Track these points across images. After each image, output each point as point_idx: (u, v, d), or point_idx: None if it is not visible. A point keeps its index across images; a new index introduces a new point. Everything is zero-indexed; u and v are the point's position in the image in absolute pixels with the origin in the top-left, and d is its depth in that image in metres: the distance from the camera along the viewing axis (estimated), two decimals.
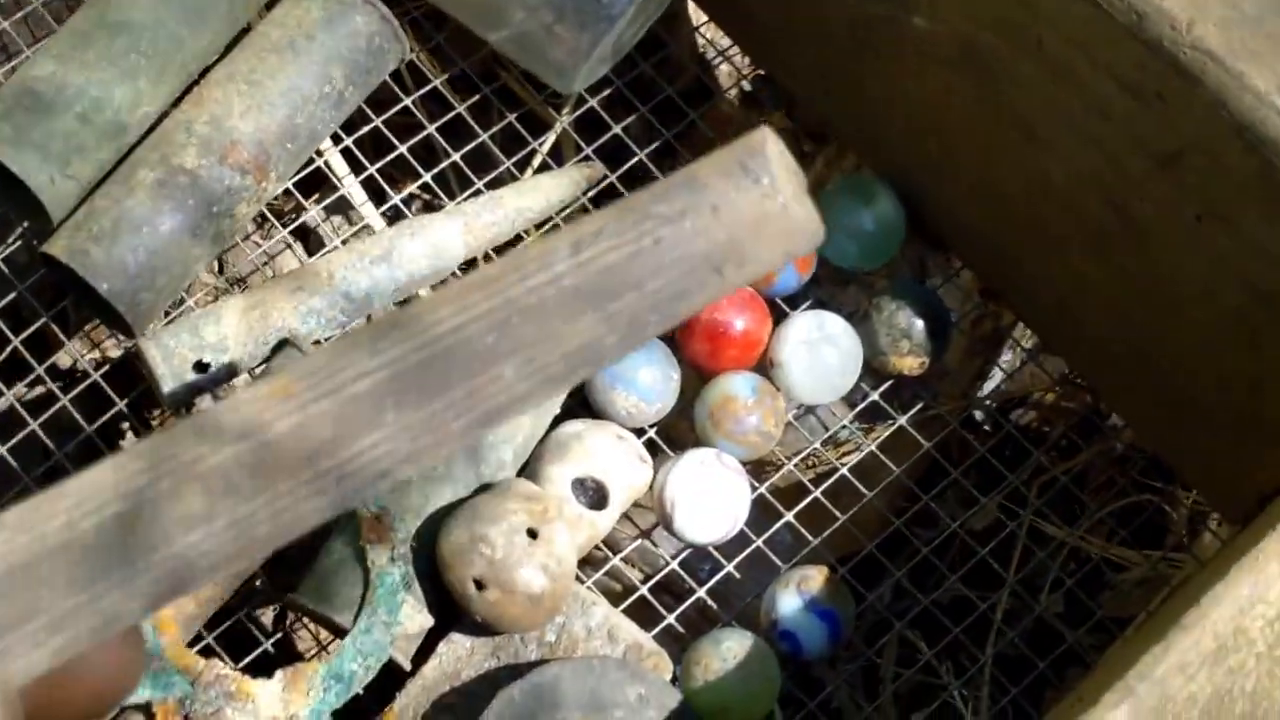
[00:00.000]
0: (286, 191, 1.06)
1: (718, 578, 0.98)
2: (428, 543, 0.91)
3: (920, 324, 1.00)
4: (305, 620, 1.01)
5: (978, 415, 1.25)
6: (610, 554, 1.01)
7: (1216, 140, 0.78)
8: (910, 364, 1.01)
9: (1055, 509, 1.15)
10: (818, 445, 1.05)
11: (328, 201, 1.08)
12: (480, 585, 0.88)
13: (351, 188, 1.11)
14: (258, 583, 0.98)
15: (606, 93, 1.12)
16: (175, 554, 0.36)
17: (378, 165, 1.08)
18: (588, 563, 1.00)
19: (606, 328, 0.40)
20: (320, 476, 0.38)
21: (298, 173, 1.04)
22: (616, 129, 1.10)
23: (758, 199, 0.41)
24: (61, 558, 0.36)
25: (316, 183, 1.09)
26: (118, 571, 0.36)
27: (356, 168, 1.10)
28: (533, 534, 0.88)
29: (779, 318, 1.03)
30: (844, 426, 1.06)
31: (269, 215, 1.08)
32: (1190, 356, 0.90)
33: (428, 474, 0.92)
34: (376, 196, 1.10)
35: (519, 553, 0.87)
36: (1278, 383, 0.85)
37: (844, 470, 1.02)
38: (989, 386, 1.25)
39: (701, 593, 0.98)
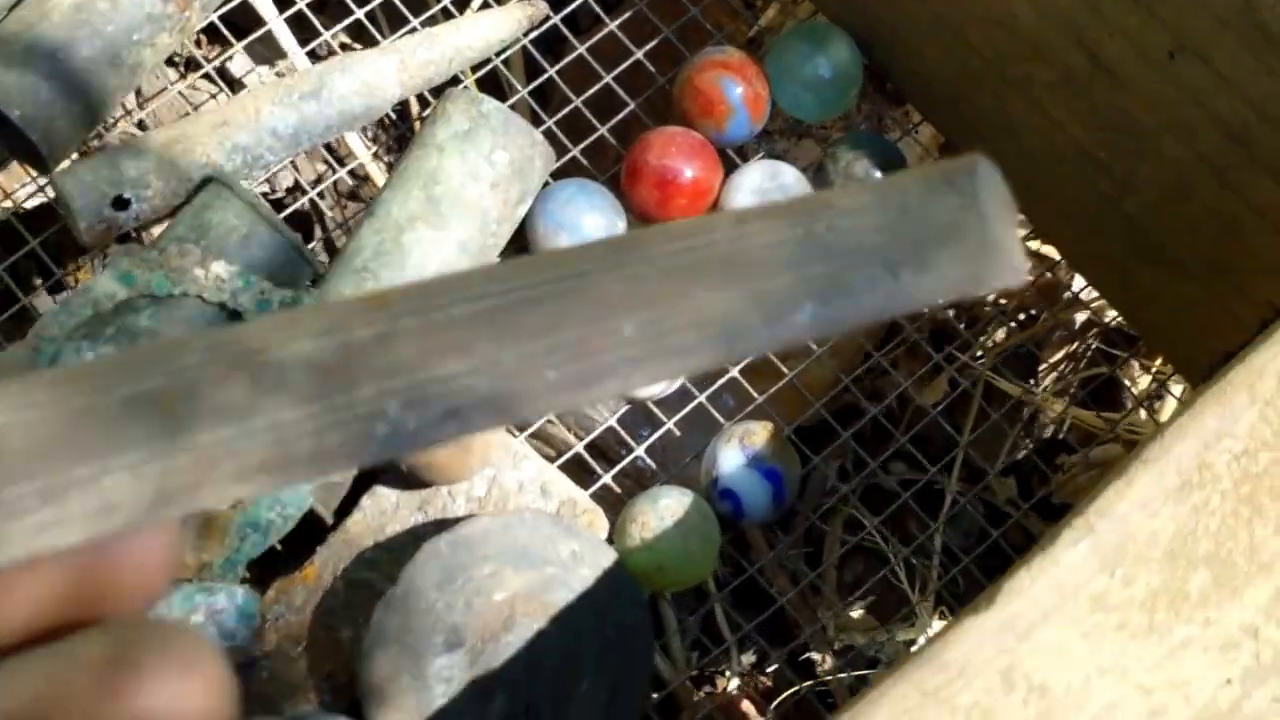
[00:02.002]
0: (211, 39, 1.02)
1: (658, 435, 0.96)
2: None
3: (878, 175, 0.97)
4: None
5: None
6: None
7: None
8: None
9: (1012, 379, 1.13)
10: None
11: (252, 39, 1.03)
12: None
13: (278, 27, 1.06)
14: None
15: None
16: (199, 447, 0.32)
17: (306, 1, 1.04)
18: (522, 425, 0.97)
19: (752, 307, 0.35)
20: (384, 396, 0.33)
21: (222, 4, 1.00)
22: None
23: (954, 210, 0.37)
24: (80, 424, 0.32)
25: (242, 27, 1.05)
26: (132, 452, 0.32)
27: (284, 4, 1.06)
28: None
29: (730, 170, 0.99)
30: None
31: (194, 58, 1.04)
32: (1160, 200, 0.87)
33: None
34: (305, 38, 1.06)
35: None
36: (1249, 226, 0.82)
37: None
38: None
39: (640, 451, 0.95)
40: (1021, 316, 1.23)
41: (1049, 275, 1.19)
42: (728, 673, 1.09)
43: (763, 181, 0.97)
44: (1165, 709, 0.59)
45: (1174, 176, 0.85)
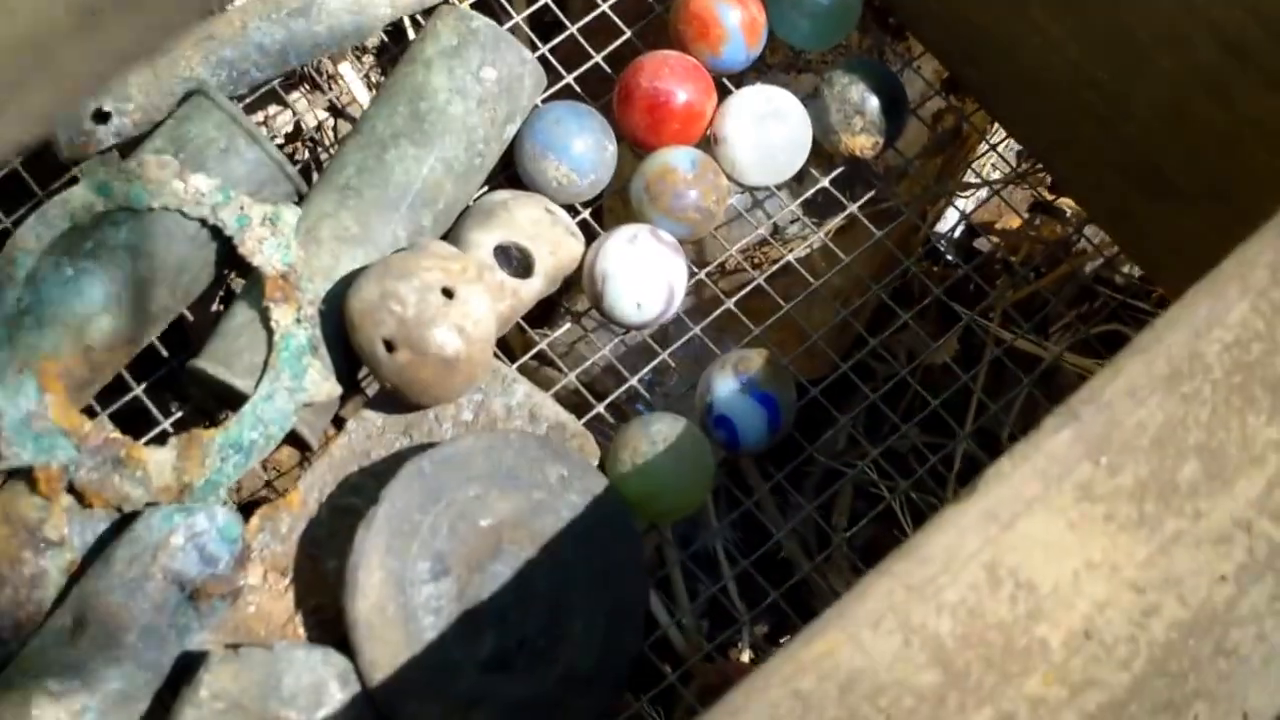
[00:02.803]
0: None
1: (652, 365, 0.94)
2: (337, 308, 0.86)
3: (874, 100, 0.96)
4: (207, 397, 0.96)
5: (940, 247, 1.22)
6: (543, 348, 0.96)
7: None
8: (863, 143, 0.97)
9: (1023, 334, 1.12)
10: (764, 233, 1.01)
11: None
12: (390, 346, 0.83)
13: None
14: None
15: None
16: None
17: None
18: (522, 371, 0.96)
19: None
20: None
21: None
22: None
23: None
24: None
25: None
26: None
27: None
28: (448, 293, 0.84)
29: (724, 97, 0.98)
30: (794, 219, 1.02)
31: None
32: (1158, 121, 0.86)
33: (340, 234, 0.88)
34: None
35: (432, 311, 0.83)
36: (1248, 143, 0.81)
37: (790, 257, 0.98)
38: (961, 207, 1.21)
39: (633, 381, 0.94)
40: (1032, 273, 1.22)
41: (1059, 230, 1.19)
42: (740, 643, 1.08)
43: (757, 105, 0.96)
44: (1159, 608, 0.58)
45: (1170, 94, 0.84)
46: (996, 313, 1.14)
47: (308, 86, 1.06)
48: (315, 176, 1.11)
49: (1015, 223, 1.23)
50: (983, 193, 1.18)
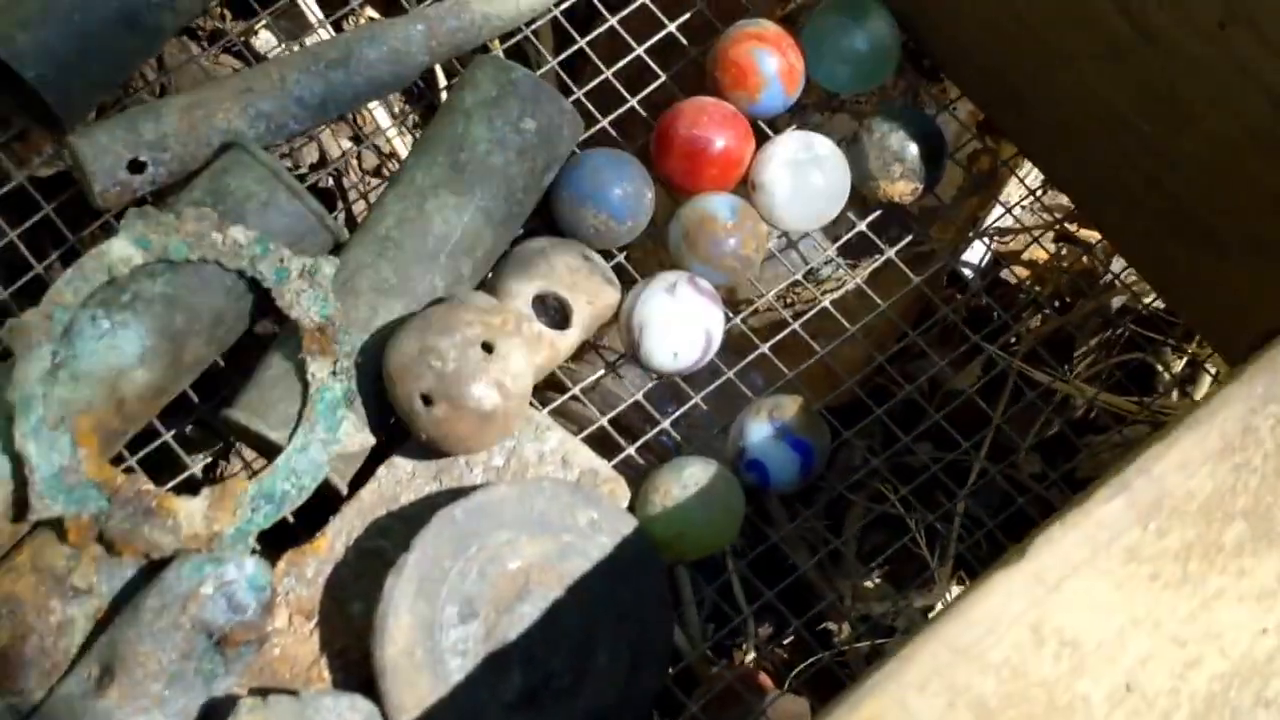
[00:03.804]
0: (236, 12, 1.03)
1: (684, 409, 0.96)
2: (373, 359, 0.87)
3: (914, 147, 0.97)
4: (239, 447, 0.98)
5: (968, 273, 1.23)
6: (570, 384, 0.97)
7: None
8: (902, 189, 0.98)
9: (1045, 365, 1.14)
10: (799, 276, 1.02)
11: (276, 7, 1.04)
12: (428, 400, 0.84)
13: None
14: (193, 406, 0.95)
15: None
16: None
17: None
18: (546, 401, 0.97)
19: None
20: None
21: None
22: None
23: None
24: None
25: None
26: None
27: None
28: (488, 348, 0.85)
29: (763, 142, 1.00)
30: (828, 260, 1.03)
31: (218, 30, 1.04)
32: (1203, 176, 0.87)
33: (378, 285, 0.89)
34: (330, 11, 1.07)
35: (471, 366, 0.84)
36: None
37: (825, 302, 0.99)
38: (979, 248, 1.22)
39: (665, 424, 0.95)
40: (1057, 304, 1.23)
41: (1085, 260, 1.20)
42: (744, 645, 1.09)
43: (796, 153, 0.97)
44: (1200, 660, 0.59)
45: (1218, 151, 0.85)
46: (1021, 347, 1.15)
47: (348, 134, 1.08)
48: (339, 203, 1.12)
49: (1041, 255, 1.24)
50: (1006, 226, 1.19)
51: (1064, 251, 1.23)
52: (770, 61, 0.98)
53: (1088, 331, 1.19)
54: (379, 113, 1.08)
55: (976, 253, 1.25)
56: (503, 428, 0.86)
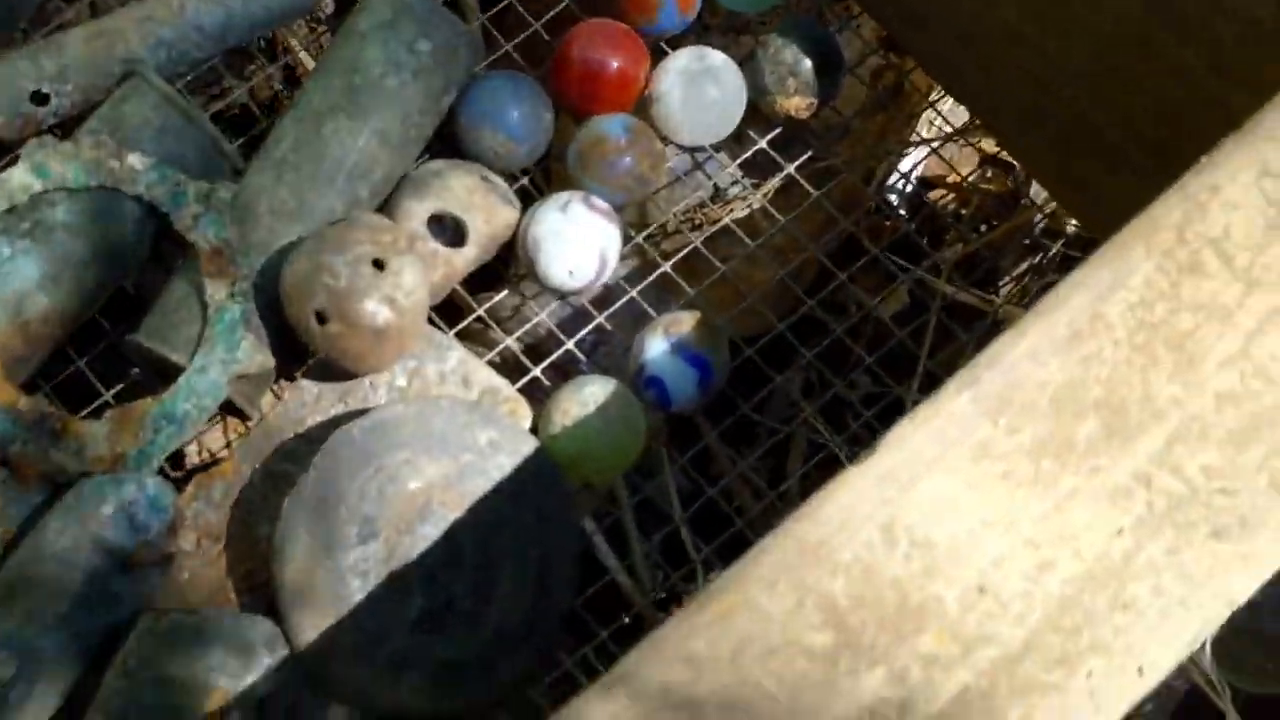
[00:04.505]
0: None
1: (589, 329, 0.92)
2: (274, 282, 0.84)
3: (807, 61, 0.94)
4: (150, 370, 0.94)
5: (892, 199, 1.20)
6: (487, 321, 0.94)
7: None
8: (797, 104, 0.95)
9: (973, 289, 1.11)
10: (703, 195, 0.98)
11: None
12: (322, 318, 0.82)
13: None
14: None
15: None
16: None
17: None
18: (465, 336, 0.94)
19: None
20: None
21: None
22: None
23: None
24: None
25: None
26: None
27: None
28: (379, 264, 0.82)
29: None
30: (735, 180, 1.00)
31: None
32: (1094, 82, 0.84)
33: (276, 208, 0.86)
34: None
35: (363, 283, 0.81)
36: (1183, 105, 0.79)
37: (727, 219, 0.96)
38: (907, 163, 1.19)
39: (570, 345, 0.92)
40: (983, 228, 1.20)
41: (1010, 183, 1.17)
42: (694, 591, 1.06)
43: (690, 63, 0.94)
44: (1054, 563, 0.56)
45: (1104, 56, 0.82)
46: (945, 268, 1.12)
47: (263, 59, 1.04)
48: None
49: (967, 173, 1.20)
50: (924, 150, 1.16)
51: (989, 174, 1.20)
52: None
53: (1013, 254, 1.16)
54: (307, 56, 1.04)
55: (900, 177, 1.22)
56: (399, 345, 0.83)
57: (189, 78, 0.94)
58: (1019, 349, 0.58)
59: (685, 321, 0.88)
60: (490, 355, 0.91)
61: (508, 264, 0.97)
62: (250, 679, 0.76)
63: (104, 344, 0.90)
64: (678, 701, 0.53)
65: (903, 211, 1.20)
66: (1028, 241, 1.16)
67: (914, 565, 0.56)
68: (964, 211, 1.20)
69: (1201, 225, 0.60)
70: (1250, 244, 0.60)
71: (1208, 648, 0.95)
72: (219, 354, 0.83)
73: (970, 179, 1.14)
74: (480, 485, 0.82)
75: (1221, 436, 0.57)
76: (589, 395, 0.86)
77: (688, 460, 0.96)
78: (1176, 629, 0.56)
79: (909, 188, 1.21)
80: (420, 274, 0.83)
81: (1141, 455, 0.57)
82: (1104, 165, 0.87)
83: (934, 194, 1.23)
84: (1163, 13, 0.76)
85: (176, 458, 0.89)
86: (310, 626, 0.78)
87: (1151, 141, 0.83)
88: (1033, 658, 0.55)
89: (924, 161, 1.19)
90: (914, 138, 1.12)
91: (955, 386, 0.58)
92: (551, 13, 0.98)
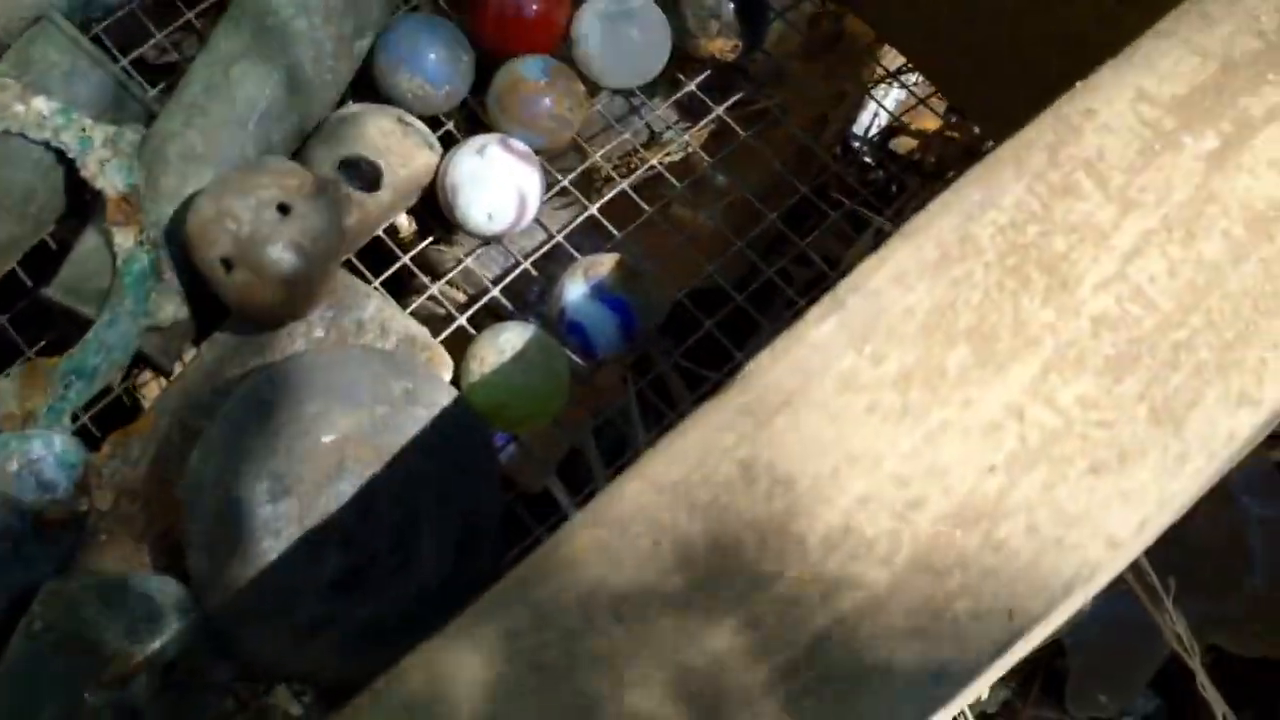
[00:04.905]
0: None
1: (513, 275, 0.89)
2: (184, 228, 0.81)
3: (730, 3, 0.90)
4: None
5: (855, 145, 1.16)
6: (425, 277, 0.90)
7: None
8: (721, 46, 0.90)
9: None
10: (628, 136, 0.94)
11: None
12: (228, 265, 0.78)
13: None
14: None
15: None
16: None
17: None
18: (412, 290, 0.90)
19: None
20: None
21: None
22: None
23: None
24: None
25: None
26: None
27: None
28: (284, 209, 0.78)
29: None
30: (671, 124, 0.95)
31: None
32: (1008, 13, 0.79)
33: (186, 153, 0.82)
34: None
35: (268, 228, 0.77)
36: (1101, 30, 0.74)
37: (654, 161, 0.92)
38: (866, 118, 1.15)
39: (495, 292, 0.88)
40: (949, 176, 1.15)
41: (976, 132, 1.12)
42: None
43: (609, 5, 0.90)
44: (923, 501, 0.52)
45: None
46: (908, 213, 1.08)
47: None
48: None
49: (932, 125, 1.16)
50: (892, 99, 1.11)
51: (954, 121, 1.15)
52: None
53: None
54: None
55: (863, 124, 1.17)
56: (309, 292, 0.79)
57: (106, 23, 0.90)
58: (884, 272, 0.54)
59: (604, 264, 0.84)
60: (415, 305, 0.87)
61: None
62: (158, 643, 0.73)
63: (26, 300, 0.86)
64: (521, 651, 0.49)
65: (868, 159, 1.16)
66: None
67: (775, 505, 0.52)
68: (930, 160, 1.16)
69: (1075, 147, 0.56)
70: (1125, 166, 0.56)
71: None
72: (128, 305, 0.79)
73: (940, 127, 1.10)
74: (397, 438, 0.77)
75: (1098, 364, 0.53)
76: (505, 342, 0.82)
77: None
78: (1051, 570, 0.52)
79: (872, 134, 1.17)
80: (329, 219, 0.79)
81: (1015, 385, 0.53)
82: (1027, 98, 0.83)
83: (896, 141, 1.19)
84: None
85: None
86: (219, 586, 0.74)
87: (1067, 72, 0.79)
88: (897, 601, 0.51)
89: (882, 108, 1.14)
90: (871, 82, 1.07)
91: (818, 313, 0.54)
92: None
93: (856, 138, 1.15)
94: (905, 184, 1.14)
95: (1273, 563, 1.03)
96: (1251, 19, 0.60)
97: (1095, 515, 0.52)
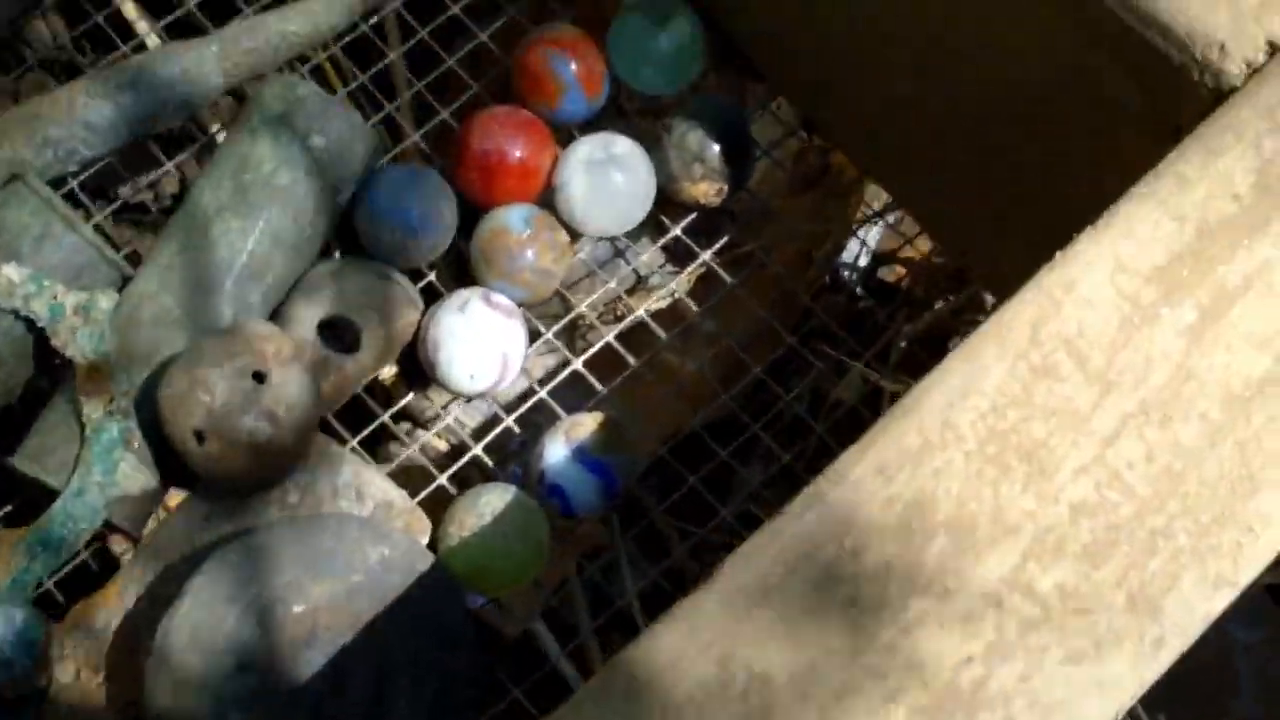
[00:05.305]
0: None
1: (495, 433, 0.90)
2: (154, 394, 0.83)
3: (715, 146, 0.92)
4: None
5: (846, 275, 1.18)
6: (408, 424, 0.92)
7: None
8: (705, 190, 0.93)
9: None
10: (612, 284, 0.96)
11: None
12: (201, 437, 0.80)
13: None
14: None
15: None
16: None
17: None
18: (392, 436, 0.92)
19: None
20: None
21: None
22: None
23: None
24: None
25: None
26: None
27: None
28: (259, 377, 0.80)
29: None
30: (657, 268, 0.98)
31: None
32: (989, 161, 0.82)
33: (161, 316, 0.84)
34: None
35: (241, 398, 0.79)
36: (1081, 184, 0.77)
37: (640, 312, 0.94)
38: (855, 245, 1.17)
39: (477, 449, 0.90)
40: (937, 306, 1.17)
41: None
42: None
43: (593, 151, 0.92)
44: (900, 693, 0.54)
45: (995, 138, 0.81)
46: (894, 354, 1.10)
47: (195, 145, 1.03)
48: None
49: (923, 248, 1.18)
50: (878, 233, 1.14)
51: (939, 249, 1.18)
52: (568, 67, 0.93)
53: (964, 331, 1.13)
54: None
55: (852, 253, 1.20)
56: (283, 460, 0.81)
57: (82, 176, 0.93)
58: (866, 463, 0.56)
59: (586, 425, 0.86)
60: (393, 465, 0.89)
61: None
62: None
63: None
64: None
65: (858, 289, 1.18)
66: (981, 318, 1.14)
67: (752, 703, 0.53)
68: (917, 290, 1.18)
69: (1056, 323, 0.58)
70: (1105, 343, 0.58)
71: None
72: (96, 476, 0.81)
73: (925, 256, 1.12)
74: (371, 606, 0.79)
75: (1077, 551, 0.55)
76: (484, 505, 0.84)
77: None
78: None
79: (861, 263, 1.19)
80: (305, 385, 0.81)
81: (993, 574, 0.55)
82: (1014, 246, 0.86)
83: (884, 271, 1.21)
84: (1045, 103, 0.75)
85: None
86: None
87: (1045, 220, 0.81)
88: None
89: (871, 238, 1.17)
90: (862, 214, 1.10)
91: (800, 505, 0.56)
92: (458, 102, 0.97)
93: (846, 265, 1.18)
94: (894, 315, 1.16)
95: (1260, 688, 1.04)
96: (1226, 181, 0.62)
97: (1072, 705, 0.54)
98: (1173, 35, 0.67)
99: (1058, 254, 0.60)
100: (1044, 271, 0.59)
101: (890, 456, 0.56)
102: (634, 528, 0.96)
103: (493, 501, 0.84)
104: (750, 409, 0.94)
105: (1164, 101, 0.69)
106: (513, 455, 0.93)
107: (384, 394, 0.95)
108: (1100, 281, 0.59)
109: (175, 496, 0.85)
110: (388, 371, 0.93)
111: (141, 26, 1.02)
